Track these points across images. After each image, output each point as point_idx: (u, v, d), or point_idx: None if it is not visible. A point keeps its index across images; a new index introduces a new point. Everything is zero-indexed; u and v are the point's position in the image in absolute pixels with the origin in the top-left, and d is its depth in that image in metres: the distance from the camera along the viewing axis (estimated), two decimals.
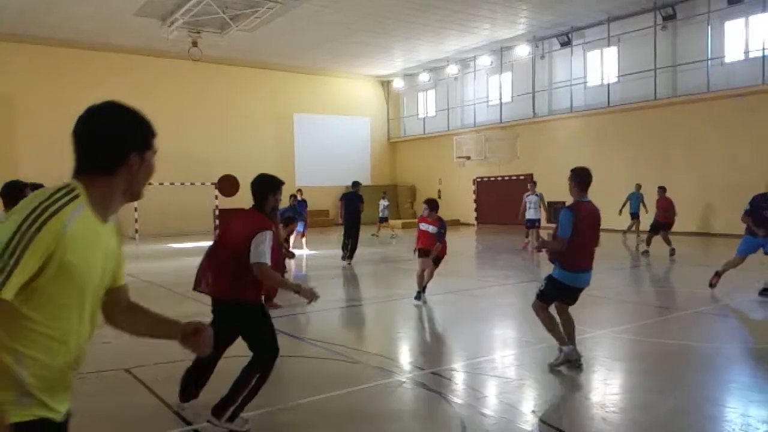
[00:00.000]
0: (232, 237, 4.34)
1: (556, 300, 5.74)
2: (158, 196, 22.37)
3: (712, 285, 9.35)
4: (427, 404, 5.05)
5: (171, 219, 24.88)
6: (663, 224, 14.78)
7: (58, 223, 1.57)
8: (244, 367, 4.24)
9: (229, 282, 4.23)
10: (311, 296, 4.28)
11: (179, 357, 6.00)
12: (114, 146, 1.74)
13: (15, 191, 5.27)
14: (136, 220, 22.83)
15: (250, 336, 4.28)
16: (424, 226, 9.00)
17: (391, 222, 27.16)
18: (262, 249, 4.12)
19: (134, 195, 1.82)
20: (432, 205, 9.03)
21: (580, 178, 5.63)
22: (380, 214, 22.79)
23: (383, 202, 22.94)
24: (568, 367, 5.71)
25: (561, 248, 5.48)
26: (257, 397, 4.28)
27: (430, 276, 9.03)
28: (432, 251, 8.90)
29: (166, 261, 15.89)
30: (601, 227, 5.80)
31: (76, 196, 1.65)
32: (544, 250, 5.76)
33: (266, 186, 4.46)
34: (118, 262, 1.88)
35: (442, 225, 8.91)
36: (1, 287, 1.51)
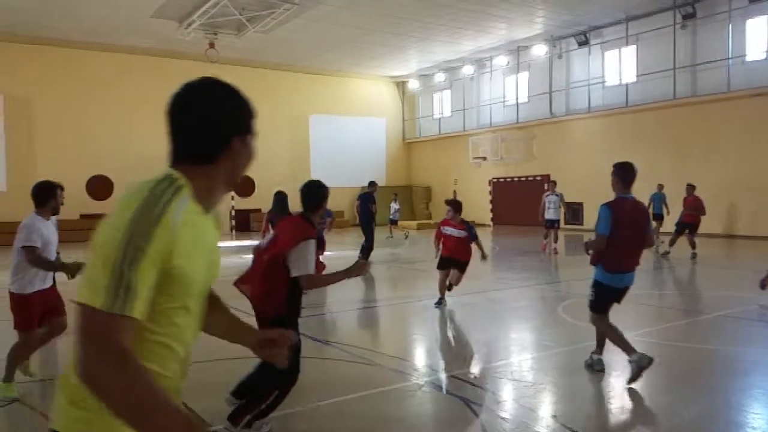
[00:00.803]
0: (278, 244, 4.17)
1: (608, 305, 5.49)
2: None
3: (763, 286, 8.84)
4: (447, 408, 5.00)
5: None
6: (689, 225, 14.52)
7: (168, 225, 1.39)
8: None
9: (269, 289, 4.07)
10: (363, 270, 4.12)
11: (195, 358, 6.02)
12: (218, 131, 1.56)
13: (45, 191, 5.20)
14: None
15: None
16: (448, 230, 8.60)
17: (407, 223, 27.17)
18: (307, 259, 3.98)
19: (234, 184, 1.66)
20: (456, 206, 8.63)
21: (623, 173, 5.40)
22: (391, 216, 22.73)
23: (394, 205, 22.86)
24: (589, 371, 5.63)
25: (600, 246, 5.29)
26: None
27: (458, 281, 8.86)
28: (455, 258, 8.61)
29: None
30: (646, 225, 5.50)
31: (180, 188, 1.47)
32: (589, 251, 5.47)
33: (322, 193, 4.35)
34: (218, 255, 1.72)
35: (470, 227, 8.65)
36: (132, 305, 1.33)
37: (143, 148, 24.76)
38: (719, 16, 19.68)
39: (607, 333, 5.49)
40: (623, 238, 5.25)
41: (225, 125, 1.57)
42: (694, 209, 14.53)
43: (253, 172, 24.47)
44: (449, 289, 9.00)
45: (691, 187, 14.85)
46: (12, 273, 5.14)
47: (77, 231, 19.38)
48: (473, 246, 8.76)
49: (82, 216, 22.39)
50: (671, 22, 20.73)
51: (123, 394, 1.30)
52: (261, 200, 24.28)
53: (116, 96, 24.23)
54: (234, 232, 26.45)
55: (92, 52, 23.95)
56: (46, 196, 5.19)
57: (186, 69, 25.23)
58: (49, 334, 5.44)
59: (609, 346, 5.64)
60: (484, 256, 8.99)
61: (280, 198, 10.45)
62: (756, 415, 4.69)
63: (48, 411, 4.86)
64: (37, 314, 5.24)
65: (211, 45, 22.27)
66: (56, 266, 5.12)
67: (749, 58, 19.28)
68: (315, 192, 4.35)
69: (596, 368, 5.61)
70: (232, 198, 26.44)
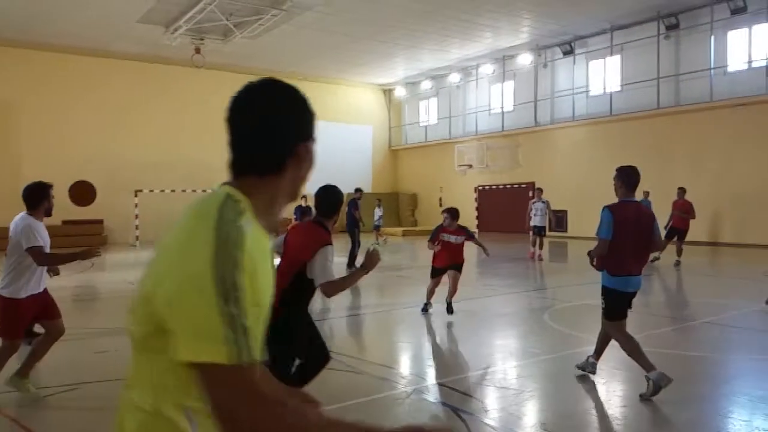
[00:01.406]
0: (290, 252, 4.07)
1: (623, 311, 5.36)
2: (160, 203, 22.31)
3: None
4: (435, 417, 4.96)
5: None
6: (679, 230, 14.61)
7: (247, 252, 1.24)
8: None
9: (280, 297, 4.04)
10: (376, 259, 4.01)
11: None
12: (284, 137, 1.41)
13: (38, 192, 5.05)
14: (136, 227, 22.74)
15: (277, 358, 4.10)
16: (446, 237, 8.64)
17: (393, 230, 27.18)
18: (328, 266, 3.90)
19: (295, 195, 1.48)
20: (453, 214, 8.68)
21: (627, 176, 5.36)
22: (375, 222, 22.83)
23: (378, 211, 22.93)
24: (577, 378, 5.63)
25: (602, 251, 5.23)
26: None
27: (455, 288, 8.78)
28: (452, 263, 8.68)
29: None
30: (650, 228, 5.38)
31: (243, 210, 1.32)
32: (594, 260, 5.40)
33: (339, 198, 4.29)
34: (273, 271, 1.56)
35: (467, 230, 8.79)
36: (254, 349, 1.20)
37: (128, 153, 24.57)
38: (702, 27, 19.97)
39: (623, 345, 5.33)
40: (626, 241, 5.19)
41: (291, 131, 1.43)
42: (684, 212, 14.63)
43: None
44: (450, 311, 8.81)
45: (681, 191, 14.96)
46: (5, 276, 4.99)
47: (59, 237, 19.11)
48: (469, 248, 8.83)
49: (64, 222, 22.10)
50: (655, 33, 21.00)
51: None
52: None
53: (101, 101, 23.98)
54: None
55: (77, 57, 23.70)
56: (39, 197, 5.04)
57: (172, 74, 25.21)
58: (48, 340, 5.29)
59: (605, 354, 5.63)
60: (486, 253, 9.14)
61: None
62: (743, 422, 4.70)
63: (26, 420, 4.75)
64: (26, 321, 5.11)
65: (197, 50, 22.15)
66: (70, 257, 5.01)
67: (731, 68, 19.58)
68: (332, 197, 4.27)
69: (587, 370, 5.59)
70: None
